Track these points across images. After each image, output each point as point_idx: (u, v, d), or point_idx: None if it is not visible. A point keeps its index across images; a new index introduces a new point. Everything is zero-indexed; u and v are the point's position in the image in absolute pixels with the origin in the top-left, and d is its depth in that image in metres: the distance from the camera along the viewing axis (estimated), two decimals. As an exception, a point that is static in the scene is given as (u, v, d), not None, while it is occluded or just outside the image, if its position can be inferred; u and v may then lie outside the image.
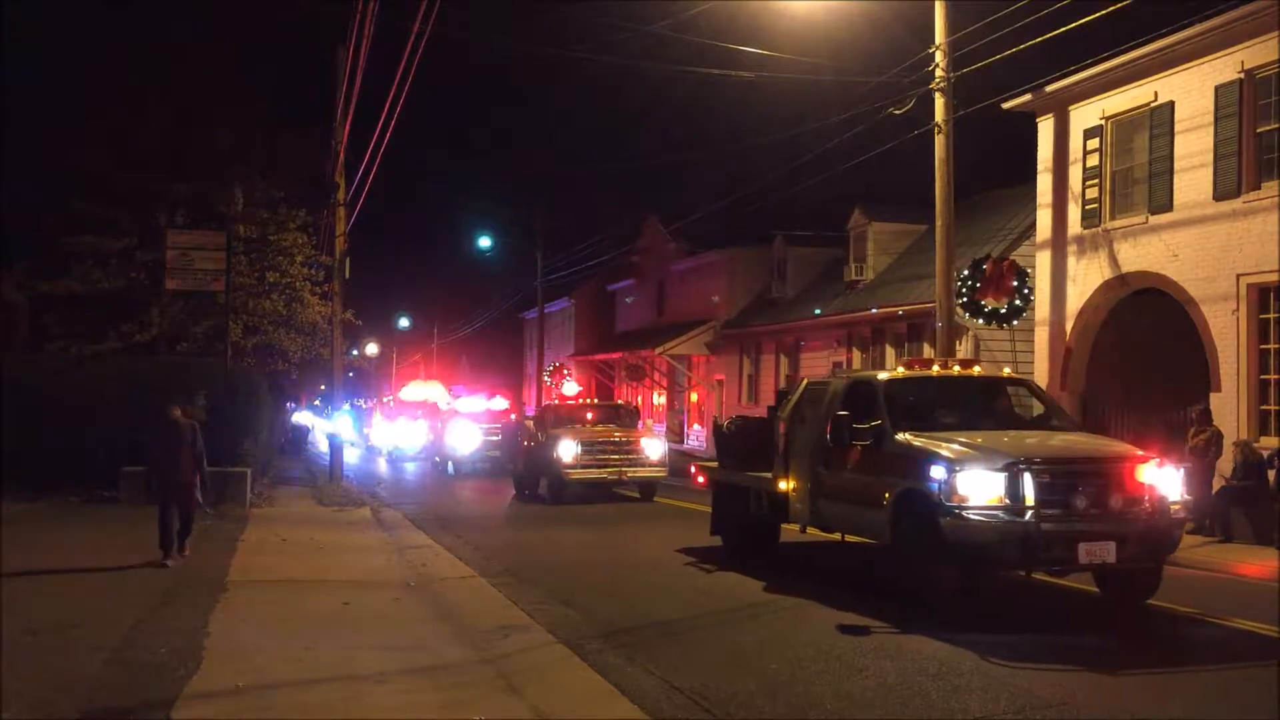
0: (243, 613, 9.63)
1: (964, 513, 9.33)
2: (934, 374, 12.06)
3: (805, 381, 13.27)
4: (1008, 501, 9.28)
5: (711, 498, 14.45)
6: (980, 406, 11.74)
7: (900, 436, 10.47)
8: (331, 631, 8.96)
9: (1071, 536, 9.28)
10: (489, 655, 8.31)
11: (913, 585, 9.95)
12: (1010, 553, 9.32)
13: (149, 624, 8.93)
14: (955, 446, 9.94)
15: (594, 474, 21.16)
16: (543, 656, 8.43)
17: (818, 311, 30.56)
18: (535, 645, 8.77)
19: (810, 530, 12.32)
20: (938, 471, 9.64)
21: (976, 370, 12.49)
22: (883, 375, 11.94)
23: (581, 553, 14.78)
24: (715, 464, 14.63)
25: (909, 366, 12.56)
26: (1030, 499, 9.25)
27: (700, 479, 15.14)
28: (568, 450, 21.07)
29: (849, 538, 12.25)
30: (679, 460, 23.12)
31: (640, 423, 25.68)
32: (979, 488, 9.39)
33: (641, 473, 21.58)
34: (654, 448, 21.87)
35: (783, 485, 12.28)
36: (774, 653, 8.47)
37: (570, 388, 38.65)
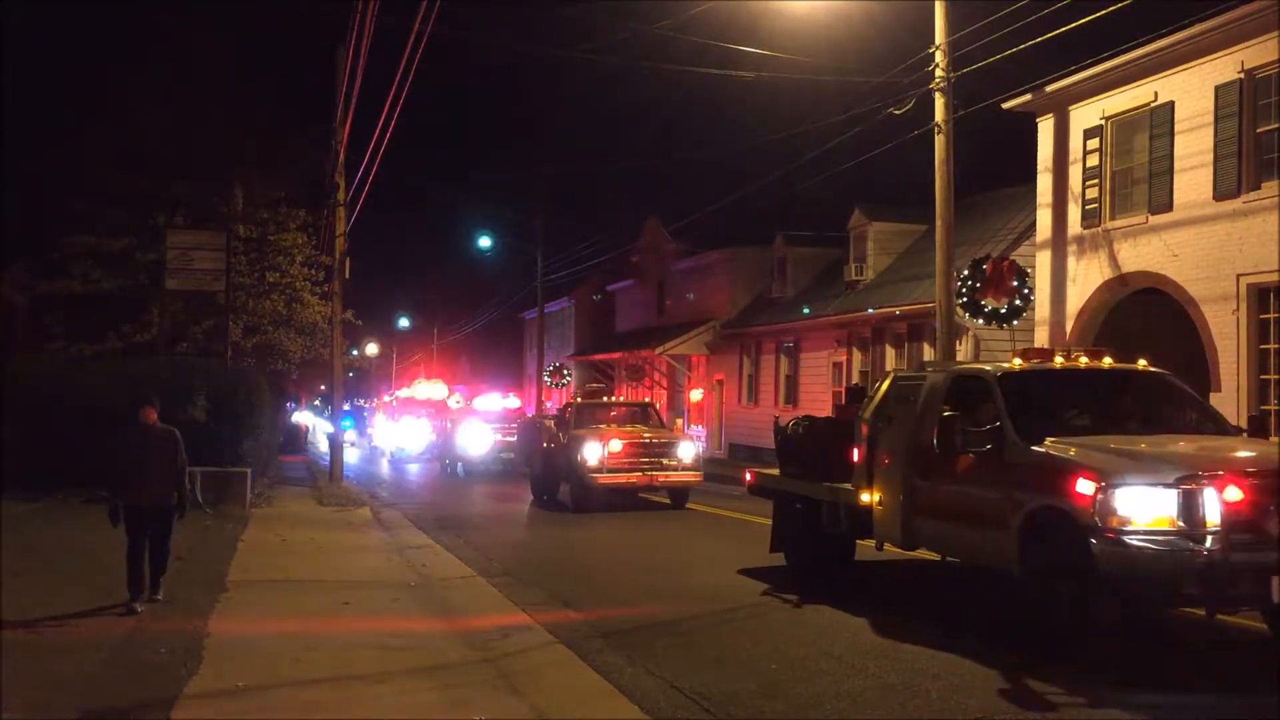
0: (243, 613, 9.63)
1: (1125, 538, 7.61)
2: (1057, 366, 10.16)
3: (892, 375, 11.45)
4: (1182, 525, 7.55)
5: (773, 510, 12.72)
6: (1117, 405, 9.85)
7: (1030, 443, 8.69)
8: (331, 632, 8.97)
9: (1265, 568, 7.49)
10: (489, 655, 8.32)
11: (1053, 625, 8.21)
12: (1189, 588, 7.58)
13: (149, 624, 8.93)
14: (1106, 455, 8.22)
15: (621, 478, 19.58)
16: (543, 656, 8.43)
17: (806, 311, 30.57)
18: (535, 645, 8.77)
19: (887, 547, 10.79)
20: (1086, 486, 7.85)
21: (1106, 361, 10.35)
22: (991, 367, 10.25)
23: (588, 555, 14.75)
24: (776, 471, 12.88)
25: (1026, 357, 10.46)
26: (1213, 521, 7.50)
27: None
28: (593, 452, 19.51)
29: (949, 559, 10.54)
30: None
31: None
32: (1145, 506, 7.66)
33: (673, 477, 19.88)
34: (687, 450, 20.19)
35: (865, 498, 10.61)
36: (774, 653, 8.46)
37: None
